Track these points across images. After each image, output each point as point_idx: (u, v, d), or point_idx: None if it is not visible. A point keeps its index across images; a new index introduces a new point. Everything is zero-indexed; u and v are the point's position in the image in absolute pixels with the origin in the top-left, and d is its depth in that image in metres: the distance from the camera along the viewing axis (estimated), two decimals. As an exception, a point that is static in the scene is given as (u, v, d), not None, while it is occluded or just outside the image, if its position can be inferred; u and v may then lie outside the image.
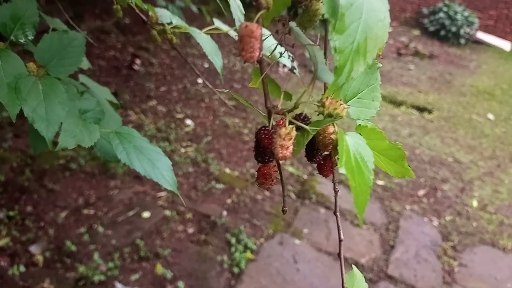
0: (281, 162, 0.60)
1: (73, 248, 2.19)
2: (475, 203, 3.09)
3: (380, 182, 3.14)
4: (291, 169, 3.12)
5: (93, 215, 2.44)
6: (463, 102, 5.14)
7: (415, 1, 8.77)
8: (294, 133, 0.50)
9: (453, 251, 2.59)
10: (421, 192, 3.14)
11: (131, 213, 2.49)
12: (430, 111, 4.68)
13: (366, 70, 0.58)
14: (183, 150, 3.17)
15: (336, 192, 0.66)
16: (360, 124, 0.58)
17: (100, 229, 2.34)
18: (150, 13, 0.87)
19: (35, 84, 0.61)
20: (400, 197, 3.03)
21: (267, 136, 0.54)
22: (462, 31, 7.86)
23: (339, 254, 0.65)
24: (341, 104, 0.53)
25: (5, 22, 0.62)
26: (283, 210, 0.66)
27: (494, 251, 2.64)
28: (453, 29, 7.84)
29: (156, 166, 0.75)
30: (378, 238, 2.60)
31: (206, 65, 4.86)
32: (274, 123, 0.56)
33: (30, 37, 0.64)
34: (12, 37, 0.63)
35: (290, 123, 0.53)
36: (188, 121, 3.60)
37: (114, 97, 1.01)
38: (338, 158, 0.61)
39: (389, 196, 3.01)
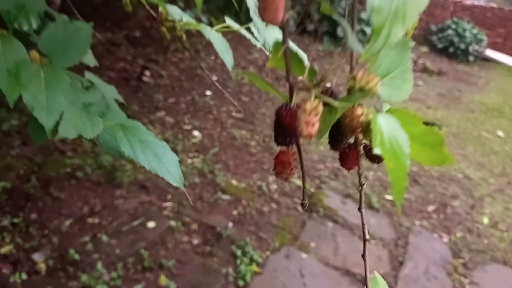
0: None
1: (77, 256, 2.16)
2: (486, 220, 3.02)
3: (389, 197, 3.09)
4: (298, 182, 3.09)
5: (98, 224, 2.42)
6: (472, 118, 5.09)
7: (423, 18, 8.80)
8: (321, 108, 0.44)
9: (463, 269, 2.52)
10: (430, 208, 3.08)
11: (136, 222, 2.46)
12: (439, 127, 4.63)
13: (398, 49, 0.54)
14: (190, 161, 3.15)
15: (362, 185, 0.58)
16: (391, 107, 0.53)
17: (104, 238, 2.31)
18: (160, 9, 0.86)
19: (36, 71, 0.59)
20: (409, 213, 2.97)
21: (289, 114, 0.48)
22: (470, 48, 7.85)
23: (363, 256, 0.59)
24: (374, 78, 0.48)
25: (9, 9, 0.61)
26: (302, 204, 0.61)
27: (506, 269, 2.57)
28: (462, 46, 7.84)
29: (162, 161, 0.72)
30: (387, 253, 2.54)
31: (214, 78, 4.88)
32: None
33: (35, 26, 0.63)
34: (15, 25, 0.62)
35: (316, 98, 0.47)
36: (196, 133, 3.59)
37: (121, 97, 1.00)
38: (365, 147, 0.56)
39: (396, 211, 2.96)
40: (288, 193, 2.95)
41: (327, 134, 0.56)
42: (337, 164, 3.55)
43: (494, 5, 9.74)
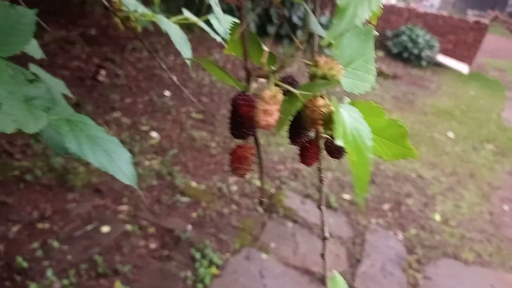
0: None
1: (25, 264, 2.04)
2: (437, 217, 3.14)
3: (346, 197, 3.15)
4: (258, 183, 3.08)
5: (48, 230, 2.30)
6: (424, 121, 5.30)
7: (379, 23, 9.08)
8: (280, 96, 0.41)
9: (417, 264, 2.60)
10: (386, 206, 3.17)
11: (89, 227, 2.36)
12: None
13: (361, 38, 0.51)
14: (147, 163, 3.07)
15: (322, 181, 0.56)
16: (354, 100, 0.50)
17: (55, 244, 2.20)
18: None
19: (-30, 58, 0.54)
20: (366, 211, 3.04)
21: (246, 102, 0.44)
22: (423, 54, 8.19)
23: (322, 254, 0.58)
24: (337, 64, 0.45)
25: None
26: (260, 202, 0.58)
27: (457, 263, 2.68)
28: (415, 51, 8.16)
29: (113, 158, 0.68)
30: (345, 252, 2.58)
31: (174, 78, 4.79)
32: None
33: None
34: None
35: (275, 86, 0.44)
36: (154, 134, 3.51)
37: (69, 91, 0.94)
38: (326, 141, 0.54)
39: (355, 210, 3.02)
40: (248, 194, 2.94)
41: (286, 131, 0.53)
42: (296, 165, 3.58)
43: (445, 13, 10.21)
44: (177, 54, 5.47)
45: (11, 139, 2.95)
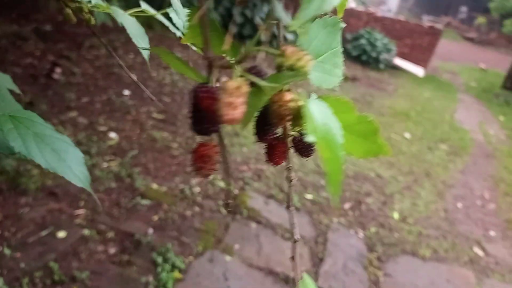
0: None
1: (-28, 273, 1.91)
2: (396, 215, 3.24)
3: (309, 196, 3.18)
4: (222, 184, 3.05)
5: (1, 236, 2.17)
6: (382, 122, 5.45)
7: (339, 26, 9.27)
8: (246, 87, 0.38)
9: (378, 262, 2.67)
10: (346, 206, 3.23)
11: (44, 233, 2.25)
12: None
13: (329, 29, 0.49)
14: (105, 165, 2.96)
15: (290, 180, 0.53)
16: (322, 95, 0.46)
17: (7, 251, 2.08)
18: None
19: None
20: (327, 211, 3.08)
21: (208, 95, 0.40)
22: (381, 57, 8.43)
23: (293, 257, 0.55)
24: (306, 55, 0.41)
25: None
26: (226, 204, 0.55)
27: (415, 260, 2.76)
28: (374, 54, 8.40)
29: (63, 158, 0.62)
30: (307, 251, 2.60)
31: (133, 77, 4.66)
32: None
33: None
34: None
35: (240, 76, 0.40)
36: (112, 134, 3.40)
37: (17, 87, 0.88)
38: (293, 139, 0.51)
39: (317, 209, 3.05)
40: (211, 195, 2.90)
41: (251, 127, 0.50)
42: (260, 165, 3.58)
43: (402, 18, 10.57)
44: (137, 52, 5.33)
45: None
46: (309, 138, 0.37)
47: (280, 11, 0.40)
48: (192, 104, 0.43)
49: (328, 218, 2.99)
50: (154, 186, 2.87)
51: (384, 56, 8.48)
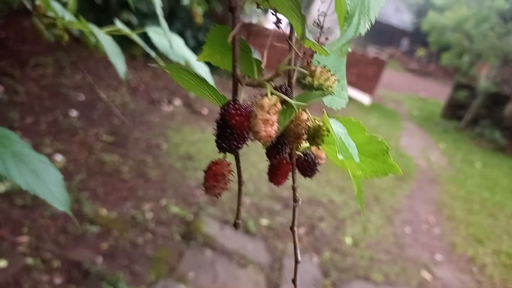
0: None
1: None
2: (348, 240, 3.29)
3: (264, 222, 3.17)
4: (175, 209, 2.97)
5: None
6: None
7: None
8: (279, 105, 0.39)
9: (332, 287, 2.68)
10: (301, 230, 3.24)
11: (-21, 264, 2.06)
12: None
13: (337, 53, 0.50)
14: (51, 189, 2.79)
15: (296, 200, 0.53)
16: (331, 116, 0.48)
17: None
18: (37, 1, 0.73)
19: None
20: (283, 236, 3.08)
21: (239, 112, 0.40)
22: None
23: (293, 281, 0.53)
24: (332, 75, 0.43)
25: None
26: (235, 224, 0.53)
27: (368, 285, 2.81)
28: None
29: (43, 179, 0.58)
30: (264, 278, 2.56)
31: (82, 98, 4.50)
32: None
33: None
34: None
35: (272, 94, 0.41)
36: (58, 157, 3.22)
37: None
38: (297, 159, 0.52)
39: (272, 234, 3.04)
40: (165, 221, 2.81)
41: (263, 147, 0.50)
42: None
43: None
44: (87, 71, 5.16)
45: None
46: (340, 156, 0.38)
47: (308, 35, 0.42)
48: (220, 120, 0.42)
49: (284, 243, 2.98)
50: (104, 211, 2.73)
51: (333, 83, 8.80)
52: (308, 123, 0.44)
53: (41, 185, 0.57)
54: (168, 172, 3.48)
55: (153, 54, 0.74)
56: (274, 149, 0.49)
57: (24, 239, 2.28)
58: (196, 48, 7.39)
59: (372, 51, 15.94)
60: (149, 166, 3.47)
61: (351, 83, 9.64)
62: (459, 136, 8.51)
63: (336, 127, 0.42)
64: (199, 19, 1.67)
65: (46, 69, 4.88)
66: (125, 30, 0.78)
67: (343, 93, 0.52)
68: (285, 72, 0.46)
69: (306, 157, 0.51)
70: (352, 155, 0.40)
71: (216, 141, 0.44)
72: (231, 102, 0.41)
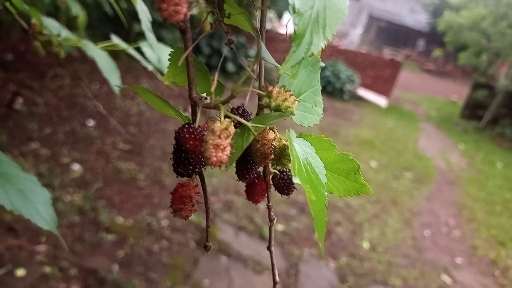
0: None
1: None
2: (365, 245, 3.25)
3: (280, 227, 3.15)
4: (194, 218, 2.97)
5: None
6: (348, 151, 5.55)
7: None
8: (232, 129, 0.37)
9: (350, 293, 2.64)
10: (317, 236, 3.21)
11: (1, 271, 2.10)
12: (322, 158, 4.95)
13: (309, 68, 0.50)
14: (68, 198, 2.84)
15: (271, 220, 0.52)
16: (302, 133, 0.48)
17: (-44, 294, 1.92)
18: (33, 20, 0.75)
19: None
20: (298, 241, 3.06)
21: (193, 136, 0.39)
22: (345, 88, 8.69)
23: None
24: (291, 95, 0.42)
25: None
26: (205, 246, 0.53)
27: (386, 290, 2.76)
28: (338, 85, 8.64)
29: (29, 199, 0.59)
30: (279, 284, 2.54)
31: (99, 107, 4.57)
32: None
33: None
34: None
35: (226, 117, 0.40)
36: (76, 166, 3.27)
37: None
38: (273, 177, 0.51)
39: (288, 240, 3.02)
40: (180, 228, 2.82)
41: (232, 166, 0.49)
42: (229, 196, 3.53)
43: (363, 50, 11.00)
44: (103, 82, 5.25)
45: None
46: (295, 180, 0.37)
47: (265, 52, 0.41)
48: (175, 145, 0.42)
49: (299, 249, 2.96)
50: (120, 219, 2.77)
51: (348, 87, 8.74)
52: (274, 143, 0.43)
53: (27, 205, 0.58)
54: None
55: (150, 67, 0.75)
56: (243, 168, 0.48)
57: (41, 248, 2.32)
58: (211, 56, 7.46)
59: (387, 53, 15.78)
60: (165, 173, 3.50)
61: (367, 86, 9.57)
62: (479, 137, 8.33)
63: (301, 147, 0.41)
64: (207, 27, 1.68)
65: (63, 80, 4.98)
66: (121, 45, 0.79)
67: (316, 109, 0.51)
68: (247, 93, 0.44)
69: (282, 175, 0.49)
70: (312, 179, 0.39)
71: (173, 165, 0.43)
72: (186, 125, 0.40)
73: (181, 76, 0.48)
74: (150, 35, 0.63)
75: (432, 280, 2.98)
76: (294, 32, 0.36)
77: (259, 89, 0.43)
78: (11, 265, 2.16)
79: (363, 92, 9.36)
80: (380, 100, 9.33)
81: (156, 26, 6.06)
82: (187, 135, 0.40)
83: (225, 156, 0.36)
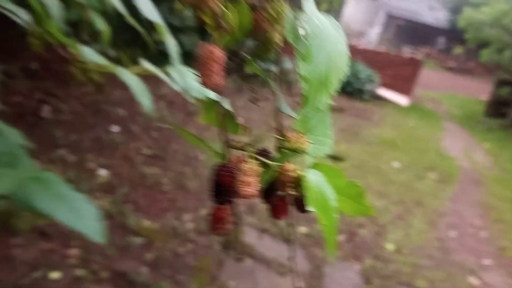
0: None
1: (-42, 322, 1.83)
2: (390, 246, 3.23)
3: (303, 229, 3.16)
4: (214, 219, 3.01)
5: (-14, 281, 2.09)
6: (370, 151, 5.52)
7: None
8: (258, 169, 0.49)
9: (375, 295, 2.63)
10: (341, 238, 3.21)
11: (37, 274, 2.17)
12: (342, 160, 4.93)
13: (321, 110, 0.60)
14: (96, 202, 2.91)
15: (293, 240, 0.63)
16: (316, 163, 0.58)
17: (-6, 297, 2.00)
18: (72, 49, 0.79)
19: None
20: (322, 243, 3.06)
21: (227, 174, 0.50)
22: (365, 88, 8.63)
23: None
24: (304, 139, 0.53)
25: None
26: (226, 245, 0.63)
27: (412, 292, 2.74)
28: (358, 85, 8.59)
29: (82, 215, 0.65)
30: (304, 286, 2.56)
31: (122, 114, 4.67)
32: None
33: None
34: None
35: (253, 158, 0.51)
36: (102, 171, 3.36)
37: (28, 142, 0.88)
38: (294, 198, 0.59)
39: (312, 242, 3.03)
40: (205, 231, 2.86)
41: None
42: (252, 199, 3.54)
43: (382, 50, 10.90)
44: (124, 87, 5.36)
45: None
46: (310, 209, 0.48)
47: (283, 104, 0.54)
48: (214, 180, 0.52)
49: (323, 251, 2.96)
50: (146, 223, 2.82)
51: (368, 86, 8.68)
52: (292, 174, 0.53)
53: (81, 221, 0.65)
54: (206, 183, 3.55)
55: (178, 88, 0.80)
56: (267, 194, 0.58)
57: (73, 251, 2.40)
58: (252, 76, 7.57)
59: (407, 51, 15.59)
60: (188, 177, 3.56)
61: (387, 85, 9.48)
62: (504, 135, 8.15)
63: (315, 177, 0.52)
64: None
65: (87, 87, 5.10)
66: (152, 69, 0.84)
67: (327, 140, 0.61)
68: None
69: (299, 198, 0.58)
70: (324, 205, 0.50)
71: (211, 195, 0.53)
72: (222, 165, 0.51)
73: (213, 119, 0.60)
74: (177, 61, 0.67)
75: (459, 282, 2.94)
76: (303, 94, 0.46)
77: (278, 134, 0.54)
78: (45, 268, 2.23)
79: (383, 92, 9.27)
80: (401, 99, 9.22)
81: (175, 31, 6.16)
82: (223, 173, 0.50)
83: (253, 191, 0.48)
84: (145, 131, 4.35)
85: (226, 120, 0.54)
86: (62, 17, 0.82)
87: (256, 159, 0.53)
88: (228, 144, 0.53)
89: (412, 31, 24.42)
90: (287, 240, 0.68)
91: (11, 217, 2.52)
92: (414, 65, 9.45)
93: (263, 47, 0.51)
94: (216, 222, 0.54)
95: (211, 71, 0.42)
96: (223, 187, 0.51)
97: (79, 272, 2.25)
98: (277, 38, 0.49)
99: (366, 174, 4.64)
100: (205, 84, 0.42)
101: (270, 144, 0.58)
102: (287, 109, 0.54)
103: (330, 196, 0.51)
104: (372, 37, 22.75)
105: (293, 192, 0.58)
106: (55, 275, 2.20)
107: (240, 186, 0.47)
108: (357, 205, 0.59)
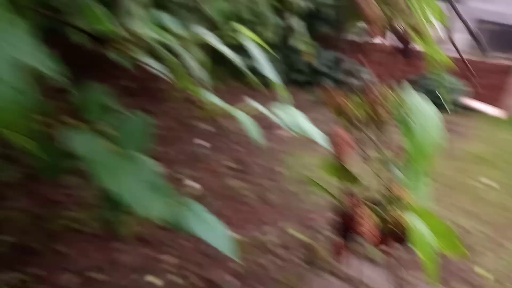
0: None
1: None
2: (479, 270, 3.08)
3: (385, 248, 3.14)
4: (295, 233, 3.13)
5: (103, 281, 2.40)
6: (457, 166, 5.27)
7: (400, 68, 9.22)
8: (374, 217, 0.64)
9: (463, 321, 2.55)
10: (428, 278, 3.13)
11: (134, 276, 2.45)
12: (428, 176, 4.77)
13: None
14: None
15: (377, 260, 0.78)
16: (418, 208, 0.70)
17: (106, 295, 2.29)
18: (198, 97, 0.99)
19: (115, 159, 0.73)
20: (405, 264, 3.02)
21: (351, 220, 0.65)
22: (450, 98, 8.22)
23: None
24: (405, 191, 0.67)
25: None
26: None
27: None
28: (442, 95, 8.21)
29: (220, 236, 0.84)
30: (387, 307, 2.56)
31: (209, 129, 4.99)
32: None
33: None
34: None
35: (367, 207, 0.66)
36: (193, 184, 3.63)
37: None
38: (396, 233, 0.72)
39: (395, 264, 3.00)
40: (288, 245, 2.98)
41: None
42: (330, 213, 3.60)
43: (470, 57, 10.29)
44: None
45: (61, 190, 3.13)
46: (417, 251, 0.64)
47: (392, 166, 0.71)
48: (341, 222, 0.68)
49: (406, 272, 2.93)
50: (234, 235, 3.01)
51: (453, 96, 8.26)
52: (397, 217, 0.67)
53: (218, 239, 0.82)
54: (287, 196, 3.68)
55: (283, 125, 0.96)
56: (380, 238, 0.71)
57: (167, 257, 2.65)
58: (310, 82, 7.88)
59: (498, 58, 14.52)
60: (270, 190, 3.71)
61: (476, 95, 8.93)
62: None
63: (416, 224, 0.65)
64: (310, 58, 1.87)
65: (177, 103, 5.52)
66: (258, 107, 1.01)
67: (421, 187, 0.74)
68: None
69: (399, 233, 0.71)
70: (424, 246, 0.65)
71: (337, 233, 0.69)
72: (346, 212, 0.67)
73: (335, 172, 0.74)
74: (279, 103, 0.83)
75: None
76: (407, 161, 0.66)
77: (386, 188, 0.69)
78: (142, 271, 2.50)
79: (470, 102, 8.76)
80: (492, 110, 8.64)
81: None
82: (348, 219, 0.66)
83: (373, 234, 0.64)
84: (231, 146, 4.60)
85: (345, 175, 0.69)
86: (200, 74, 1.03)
87: (368, 205, 0.66)
88: (348, 194, 0.68)
89: (506, 36, 22.64)
90: (372, 260, 0.85)
91: (116, 223, 2.84)
92: (505, 72, 8.80)
93: (376, 123, 0.62)
94: (336, 252, 0.72)
95: (341, 148, 0.56)
96: (349, 228, 0.65)
97: (173, 277, 2.49)
98: (385, 116, 0.61)
99: (450, 191, 4.45)
100: (337, 158, 0.60)
101: (375, 191, 0.70)
102: (394, 171, 0.68)
103: (429, 238, 0.65)
104: (459, 44, 21.44)
105: (393, 228, 0.72)
106: (151, 278, 2.45)
107: (361, 228, 0.62)
108: (451, 245, 0.72)
